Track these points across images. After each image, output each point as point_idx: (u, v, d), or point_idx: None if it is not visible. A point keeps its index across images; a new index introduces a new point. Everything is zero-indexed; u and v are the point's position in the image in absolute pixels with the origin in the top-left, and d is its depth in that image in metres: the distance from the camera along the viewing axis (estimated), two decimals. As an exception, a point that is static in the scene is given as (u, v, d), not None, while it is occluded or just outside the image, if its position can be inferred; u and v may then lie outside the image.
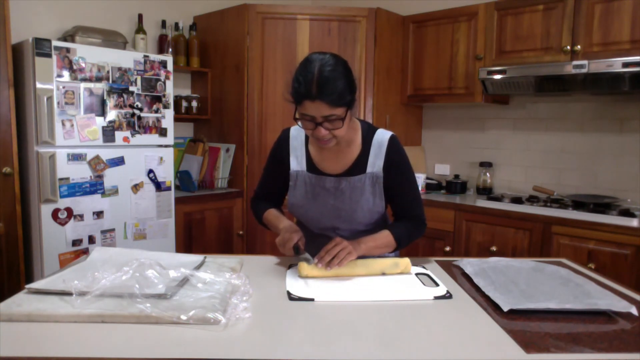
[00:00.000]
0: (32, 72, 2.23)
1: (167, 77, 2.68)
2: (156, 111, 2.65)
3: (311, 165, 1.49)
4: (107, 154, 2.47)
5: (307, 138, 1.51)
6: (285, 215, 1.56)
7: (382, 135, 1.46)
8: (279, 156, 1.54)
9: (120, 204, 2.54)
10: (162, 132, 2.69)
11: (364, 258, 1.38)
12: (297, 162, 1.51)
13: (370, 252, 1.41)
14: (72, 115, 2.33)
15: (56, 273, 1.22)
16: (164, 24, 3.17)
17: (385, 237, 1.43)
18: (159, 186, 2.68)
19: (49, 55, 2.24)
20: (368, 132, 1.47)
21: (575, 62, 2.45)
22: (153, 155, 2.65)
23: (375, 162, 1.45)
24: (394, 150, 1.45)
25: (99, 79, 2.41)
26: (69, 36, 2.60)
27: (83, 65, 2.35)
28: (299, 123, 1.34)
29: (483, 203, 2.72)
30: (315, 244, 1.46)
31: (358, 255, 1.34)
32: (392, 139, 1.46)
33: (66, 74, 2.30)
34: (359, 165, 1.46)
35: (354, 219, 1.46)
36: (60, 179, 2.31)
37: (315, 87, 1.24)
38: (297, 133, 1.53)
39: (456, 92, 3.02)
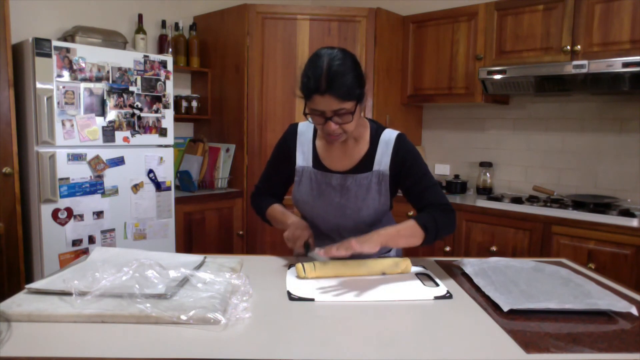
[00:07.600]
0: (32, 72, 2.23)
1: (167, 77, 2.68)
2: (156, 111, 2.65)
3: (317, 162, 1.49)
4: (107, 154, 2.47)
5: (314, 134, 1.50)
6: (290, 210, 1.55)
7: (390, 134, 1.46)
8: (285, 151, 1.53)
9: (120, 204, 2.54)
10: (162, 132, 2.69)
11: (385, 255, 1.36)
12: (303, 158, 1.50)
13: (394, 241, 1.33)
14: (72, 115, 2.33)
15: (56, 273, 1.22)
16: (164, 24, 3.17)
17: (408, 224, 1.35)
18: (159, 186, 2.68)
19: (49, 55, 2.24)
20: (377, 131, 1.47)
21: (575, 62, 2.45)
22: (153, 155, 2.65)
23: (382, 160, 1.43)
24: (401, 147, 1.44)
25: (99, 79, 2.41)
26: (69, 36, 2.60)
27: (83, 65, 2.35)
28: (309, 118, 1.34)
29: (483, 203, 2.72)
30: (319, 243, 1.45)
31: (379, 244, 1.26)
32: (399, 137, 1.45)
33: (66, 74, 2.30)
34: (366, 162, 1.45)
35: (359, 217, 1.45)
36: (60, 179, 2.31)
37: (325, 81, 1.24)
38: (305, 129, 1.52)
39: (456, 92, 3.02)
